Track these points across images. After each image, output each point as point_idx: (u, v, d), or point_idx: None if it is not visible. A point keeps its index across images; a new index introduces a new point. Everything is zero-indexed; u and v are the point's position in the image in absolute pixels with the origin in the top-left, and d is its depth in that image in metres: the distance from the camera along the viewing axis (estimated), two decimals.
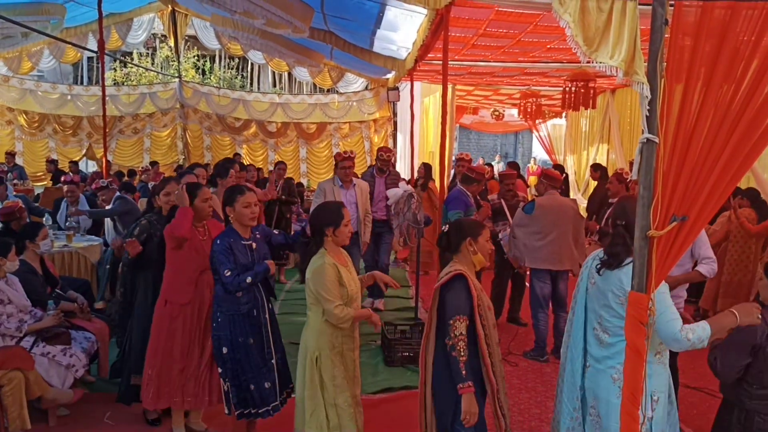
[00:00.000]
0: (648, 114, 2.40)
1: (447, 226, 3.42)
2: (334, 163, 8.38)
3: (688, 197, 2.36)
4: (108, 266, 6.36)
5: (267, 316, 4.20)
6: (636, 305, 2.43)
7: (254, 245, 4.13)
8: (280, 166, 9.98)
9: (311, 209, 7.26)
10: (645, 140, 2.42)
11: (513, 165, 12.05)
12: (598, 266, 2.93)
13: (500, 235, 7.06)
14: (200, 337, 4.27)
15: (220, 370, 4.10)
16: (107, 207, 7.90)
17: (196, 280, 4.23)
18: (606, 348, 2.91)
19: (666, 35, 2.47)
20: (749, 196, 7.23)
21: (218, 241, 4.00)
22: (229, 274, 3.89)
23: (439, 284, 3.23)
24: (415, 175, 10.90)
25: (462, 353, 3.04)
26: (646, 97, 2.38)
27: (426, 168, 10.39)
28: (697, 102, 2.43)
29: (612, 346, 2.88)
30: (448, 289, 3.18)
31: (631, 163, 11.41)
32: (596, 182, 11.50)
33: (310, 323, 3.67)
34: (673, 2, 2.44)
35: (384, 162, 7.92)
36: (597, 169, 11.56)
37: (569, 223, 6.31)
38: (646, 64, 2.49)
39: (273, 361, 4.16)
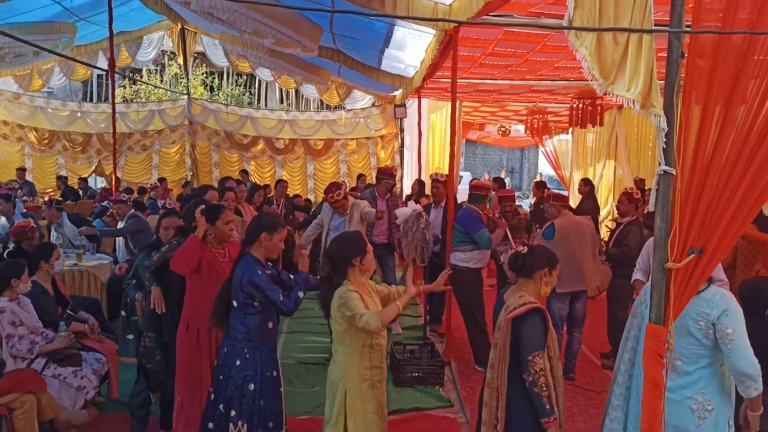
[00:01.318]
0: (665, 146, 2.40)
1: (526, 248, 3.31)
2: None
3: (705, 229, 2.35)
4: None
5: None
6: (654, 338, 2.42)
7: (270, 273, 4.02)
8: (282, 184, 9.96)
9: (306, 233, 7.03)
10: (662, 172, 2.41)
11: (498, 180, 12.02)
12: None
13: (502, 258, 7.03)
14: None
15: (233, 413, 3.70)
16: (119, 221, 7.89)
17: None
18: (681, 376, 2.87)
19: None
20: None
21: (255, 273, 3.67)
22: (283, 298, 3.66)
23: (512, 316, 3.11)
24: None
25: (545, 388, 2.97)
26: (663, 129, 2.39)
27: (420, 184, 10.42)
28: (714, 130, 2.42)
29: (689, 374, 2.86)
30: (524, 323, 3.07)
31: (636, 180, 11.41)
32: (582, 196, 11.48)
33: (337, 359, 3.57)
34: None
35: (385, 186, 7.74)
36: (587, 184, 11.57)
37: (588, 241, 6.30)
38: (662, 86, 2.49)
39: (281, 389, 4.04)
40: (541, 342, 3.03)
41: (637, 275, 5.38)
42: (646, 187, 10.31)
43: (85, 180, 14.30)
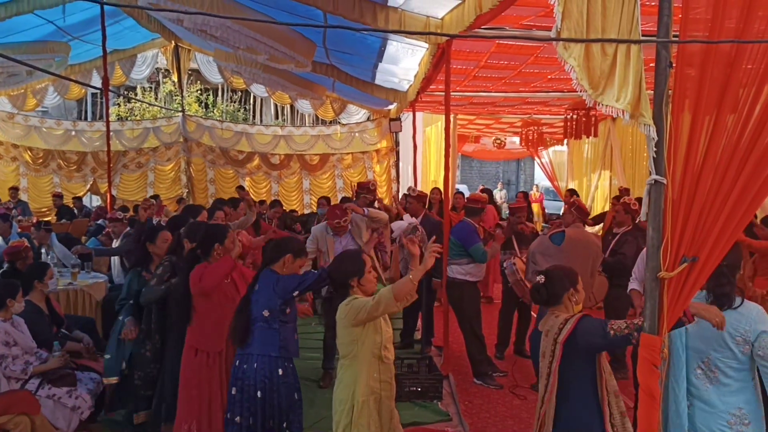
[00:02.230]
0: (655, 155, 2.40)
1: (543, 277, 3.21)
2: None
3: (698, 238, 2.35)
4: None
5: None
6: (649, 348, 2.41)
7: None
8: (276, 208, 9.88)
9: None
10: (653, 181, 2.41)
11: (486, 192, 11.98)
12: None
13: (504, 264, 7.03)
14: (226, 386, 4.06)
15: (285, 425, 3.79)
16: (114, 239, 7.85)
17: (226, 327, 4.01)
18: (719, 389, 2.88)
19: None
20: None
21: (283, 276, 3.82)
22: (311, 275, 3.82)
23: (564, 338, 2.98)
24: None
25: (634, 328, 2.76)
26: (653, 138, 2.39)
27: (417, 199, 10.42)
28: (704, 138, 2.42)
29: (726, 387, 2.86)
30: (579, 332, 2.96)
31: (621, 189, 11.47)
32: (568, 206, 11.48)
33: (344, 374, 3.51)
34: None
35: (364, 201, 7.48)
36: (573, 195, 11.58)
37: (591, 258, 6.28)
38: (651, 95, 2.49)
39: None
40: (603, 325, 2.90)
41: (633, 285, 5.36)
42: (633, 196, 10.37)
43: (79, 199, 14.26)
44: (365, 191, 7.79)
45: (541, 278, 3.20)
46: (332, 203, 9.69)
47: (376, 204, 7.79)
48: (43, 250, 7.94)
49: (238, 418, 3.72)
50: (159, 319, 4.64)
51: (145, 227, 5.37)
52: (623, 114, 2.43)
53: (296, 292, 3.76)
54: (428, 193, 10.18)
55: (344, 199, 10.65)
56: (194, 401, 4.10)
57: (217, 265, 4.09)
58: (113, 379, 5.12)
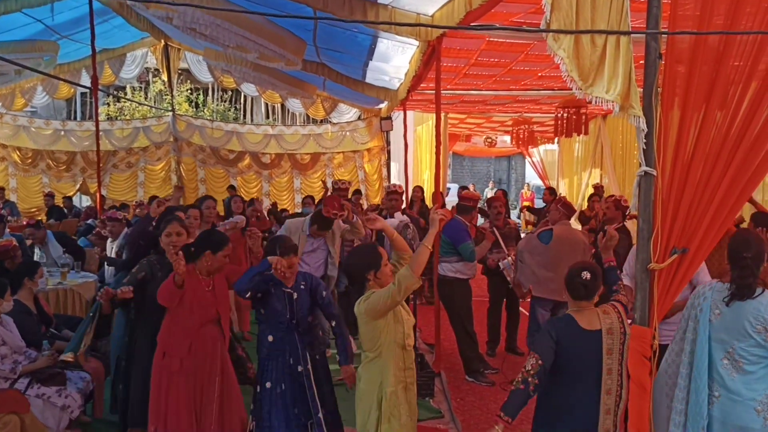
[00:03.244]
0: (645, 147, 2.40)
1: (587, 273, 3.19)
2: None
3: (687, 229, 2.35)
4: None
5: (308, 366, 4.02)
6: (639, 339, 2.41)
7: (296, 295, 3.97)
8: (254, 206, 9.55)
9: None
10: (643, 173, 2.42)
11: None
12: (726, 298, 2.90)
13: (501, 264, 7.02)
14: (206, 393, 4.04)
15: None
16: (111, 240, 7.68)
17: (196, 334, 4.01)
18: (744, 377, 2.90)
19: (661, 64, 2.48)
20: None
21: (251, 269, 3.99)
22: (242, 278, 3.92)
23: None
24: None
25: None
26: (643, 130, 2.39)
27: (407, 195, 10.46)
28: (693, 132, 2.44)
29: (752, 375, 2.89)
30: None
31: (596, 186, 11.55)
32: (548, 205, 11.53)
33: (366, 372, 3.51)
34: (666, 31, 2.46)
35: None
36: (552, 193, 11.65)
37: (579, 256, 6.28)
38: (641, 92, 2.50)
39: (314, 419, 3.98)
40: None
41: (624, 280, 5.39)
42: (604, 194, 10.47)
43: (69, 198, 14.18)
44: (338, 191, 7.61)
45: (586, 274, 3.19)
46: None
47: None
48: (36, 249, 7.90)
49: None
50: (128, 322, 4.59)
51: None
52: (613, 105, 2.43)
53: (248, 293, 3.84)
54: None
55: (308, 198, 10.62)
56: (161, 408, 3.99)
57: (165, 288, 3.92)
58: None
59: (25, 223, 8.60)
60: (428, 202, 10.64)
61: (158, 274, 4.27)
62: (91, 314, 4.55)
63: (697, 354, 2.96)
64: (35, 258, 7.65)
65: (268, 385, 3.89)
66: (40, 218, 13.16)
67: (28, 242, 8.06)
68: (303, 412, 3.94)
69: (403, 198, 8.58)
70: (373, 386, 3.45)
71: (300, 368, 3.98)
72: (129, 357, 4.56)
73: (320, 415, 3.95)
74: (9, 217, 11.42)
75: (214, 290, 4.11)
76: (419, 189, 11.00)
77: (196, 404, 4.01)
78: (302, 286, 4.02)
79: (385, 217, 7.71)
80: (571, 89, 2.71)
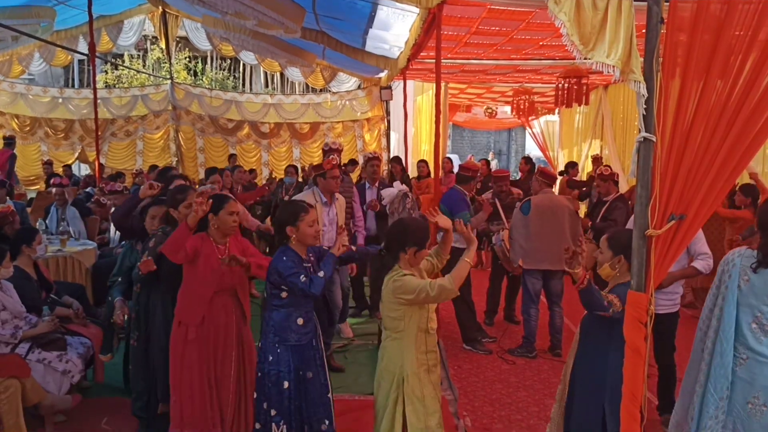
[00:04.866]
0: (645, 113, 2.39)
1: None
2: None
3: (686, 196, 2.35)
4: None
5: (322, 346, 3.91)
6: (635, 305, 2.43)
7: (312, 268, 3.76)
8: (239, 169, 9.44)
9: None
10: (642, 139, 2.41)
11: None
12: (753, 264, 2.95)
13: (494, 239, 7.04)
14: (222, 365, 3.97)
15: (273, 413, 3.60)
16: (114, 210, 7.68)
17: (210, 301, 3.90)
18: None
19: (662, 32, 2.46)
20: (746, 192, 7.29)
21: (280, 260, 3.60)
22: (305, 280, 3.50)
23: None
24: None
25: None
26: (643, 95, 2.38)
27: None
28: (694, 99, 2.42)
29: None
30: None
31: (595, 158, 11.53)
32: (523, 175, 11.52)
33: (390, 346, 3.48)
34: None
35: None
36: (528, 162, 11.62)
37: (565, 222, 6.29)
38: (642, 61, 2.49)
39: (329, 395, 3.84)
40: None
41: None
42: (603, 163, 10.47)
43: (69, 167, 14.15)
44: (330, 153, 7.16)
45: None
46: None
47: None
48: (54, 210, 8.00)
49: (255, 393, 3.71)
50: (145, 300, 4.47)
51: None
52: (613, 70, 2.41)
53: (284, 293, 3.59)
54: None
55: (291, 167, 10.56)
56: (177, 375, 3.96)
57: (174, 233, 3.84)
58: (106, 357, 5.15)
59: (53, 183, 8.57)
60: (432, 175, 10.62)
61: None
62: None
63: (724, 319, 3.02)
64: (41, 226, 7.73)
65: (303, 374, 3.69)
66: (38, 186, 13.20)
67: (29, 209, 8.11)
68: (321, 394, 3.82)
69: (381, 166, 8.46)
70: (393, 366, 3.44)
71: (320, 350, 3.86)
72: (146, 335, 4.46)
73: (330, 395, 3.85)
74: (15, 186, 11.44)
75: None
76: (424, 164, 10.97)
77: (210, 375, 3.94)
78: (311, 258, 3.85)
79: (365, 186, 7.59)
80: (573, 55, 2.69)
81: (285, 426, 3.60)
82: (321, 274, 3.57)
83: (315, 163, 6.56)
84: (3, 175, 11.11)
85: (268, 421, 3.61)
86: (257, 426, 3.67)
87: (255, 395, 3.71)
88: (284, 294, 3.58)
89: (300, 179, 10.95)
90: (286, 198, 8.81)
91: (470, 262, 3.37)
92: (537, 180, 6.59)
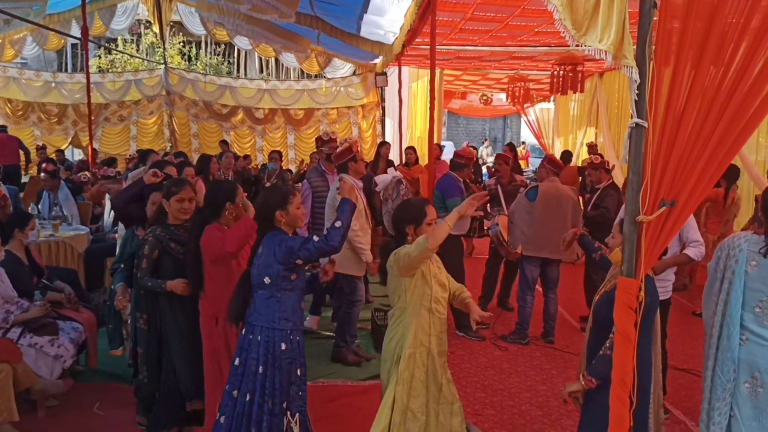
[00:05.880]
0: (637, 98, 2.39)
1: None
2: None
3: (677, 182, 2.35)
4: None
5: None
6: (625, 291, 2.43)
7: None
8: (227, 155, 9.32)
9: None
10: (634, 125, 2.40)
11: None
12: (763, 249, 2.99)
13: (489, 225, 7.04)
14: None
15: (285, 405, 3.42)
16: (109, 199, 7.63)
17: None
18: None
19: (654, 18, 2.45)
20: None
21: (285, 237, 3.41)
22: (318, 239, 3.31)
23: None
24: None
25: None
26: (635, 81, 2.37)
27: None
28: (686, 85, 2.42)
29: None
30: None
31: (590, 145, 11.56)
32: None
33: (391, 331, 3.48)
34: None
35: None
36: (512, 150, 11.67)
37: (568, 212, 6.30)
38: (634, 47, 2.48)
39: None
40: None
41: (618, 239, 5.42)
42: (598, 151, 10.50)
43: (62, 152, 14.09)
44: (325, 143, 7.04)
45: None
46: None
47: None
48: (46, 196, 7.98)
49: (235, 392, 3.42)
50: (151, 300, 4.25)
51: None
52: (606, 55, 2.40)
53: (299, 260, 3.34)
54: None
55: (275, 153, 10.44)
56: (225, 371, 3.78)
57: (238, 226, 3.74)
58: (117, 351, 5.05)
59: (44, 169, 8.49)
60: (422, 161, 10.56)
61: (170, 245, 4.07)
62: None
63: (731, 303, 3.06)
64: (33, 211, 7.69)
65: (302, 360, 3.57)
66: (32, 172, 13.13)
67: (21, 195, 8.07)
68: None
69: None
70: (394, 345, 3.43)
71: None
72: (159, 337, 4.25)
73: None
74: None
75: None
76: (412, 150, 10.94)
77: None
78: None
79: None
80: (567, 43, 2.68)
81: (298, 415, 3.47)
82: (338, 224, 3.35)
83: (336, 151, 6.24)
84: (16, 159, 11.20)
85: (255, 414, 3.42)
86: (222, 419, 3.49)
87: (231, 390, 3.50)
88: (293, 276, 3.41)
89: (282, 166, 10.72)
90: (268, 184, 8.57)
91: (450, 225, 3.26)
92: (544, 167, 6.57)
